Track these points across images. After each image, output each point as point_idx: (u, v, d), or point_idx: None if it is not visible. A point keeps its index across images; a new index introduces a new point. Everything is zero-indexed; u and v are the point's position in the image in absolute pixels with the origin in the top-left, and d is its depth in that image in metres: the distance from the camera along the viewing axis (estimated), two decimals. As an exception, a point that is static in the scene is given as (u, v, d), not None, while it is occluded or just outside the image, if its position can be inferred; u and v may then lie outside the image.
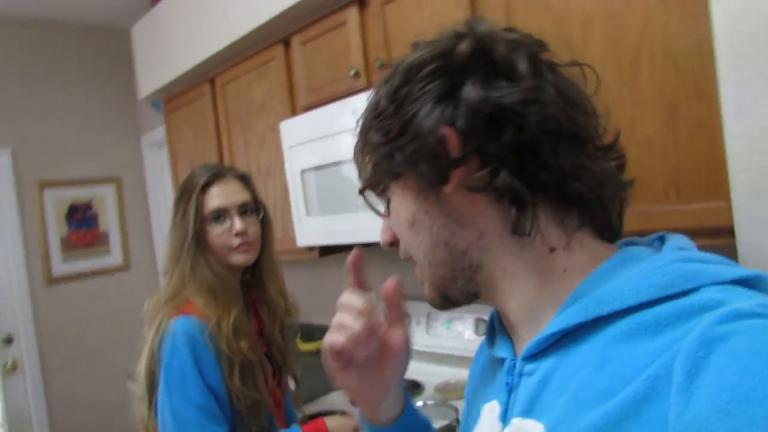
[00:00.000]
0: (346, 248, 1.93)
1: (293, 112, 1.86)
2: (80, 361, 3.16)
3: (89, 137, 3.34)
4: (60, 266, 3.18)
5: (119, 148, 3.48)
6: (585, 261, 0.51)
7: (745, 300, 0.39)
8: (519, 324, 0.54)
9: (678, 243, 0.50)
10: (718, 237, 0.94)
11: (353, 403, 0.70)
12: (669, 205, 1.02)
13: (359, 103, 1.48)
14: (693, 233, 0.57)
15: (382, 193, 0.57)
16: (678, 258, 0.46)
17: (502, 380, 0.55)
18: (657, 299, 0.43)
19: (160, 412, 1.17)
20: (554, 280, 0.51)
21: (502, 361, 0.56)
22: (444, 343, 1.82)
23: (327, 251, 1.92)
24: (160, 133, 3.36)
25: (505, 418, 0.53)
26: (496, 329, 0.60)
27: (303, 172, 1.73)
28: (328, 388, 1.85)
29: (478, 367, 0.67)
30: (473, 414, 0.61)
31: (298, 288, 1.64)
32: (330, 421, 1.28)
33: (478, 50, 0.50)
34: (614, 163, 0.54)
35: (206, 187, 1.28)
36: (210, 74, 2.28)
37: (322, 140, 1.61)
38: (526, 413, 0.49)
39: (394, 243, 0.60)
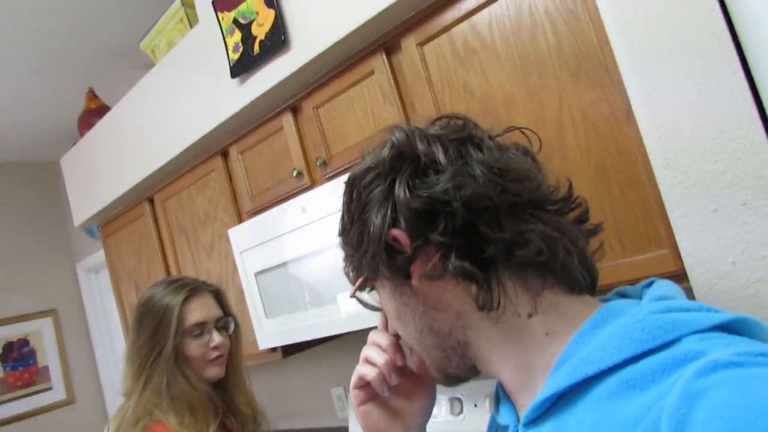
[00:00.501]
0: (308, 345, 1.89)
1: (239, 218, 1.86)
2: None
3: (20, 272, 3.21)
4: (-5, 412, 2.93)
5: (53, 279, 3.35)
6: (564, 321, 0.52)
7: (724, 348, 0.40)
8: (516, 391, 0.55)
9: (659, 292, 0.52)
10: (675, 282, 0.99)
11: None
12: (616, 259, 1.05)
13: (308, 201, 1.52)
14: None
15: (373, 290, 0.61)
16: (656, 310, 0.47)
17: None
18: (640, 354, 0.44)
19: None
20: (539, 344, 0.52)
21: (507, 427, 0.57)
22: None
23: (290, 350, 1.87)
24: (95, 258, 3.25)
25: None
26: (500, 397, 0.60)
27: (257, 275, 1.71)
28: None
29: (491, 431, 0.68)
30: None
31: (262, 393, 1.58)
32: None
33: (398, 153, 0.54)
34: (576, 212, 0.57)
35: (186, 300, 1.27)
36: (148, 193, 2.26)
37: (273, 241, 1.61)
38: None
39: (398, 335, 0.63)
